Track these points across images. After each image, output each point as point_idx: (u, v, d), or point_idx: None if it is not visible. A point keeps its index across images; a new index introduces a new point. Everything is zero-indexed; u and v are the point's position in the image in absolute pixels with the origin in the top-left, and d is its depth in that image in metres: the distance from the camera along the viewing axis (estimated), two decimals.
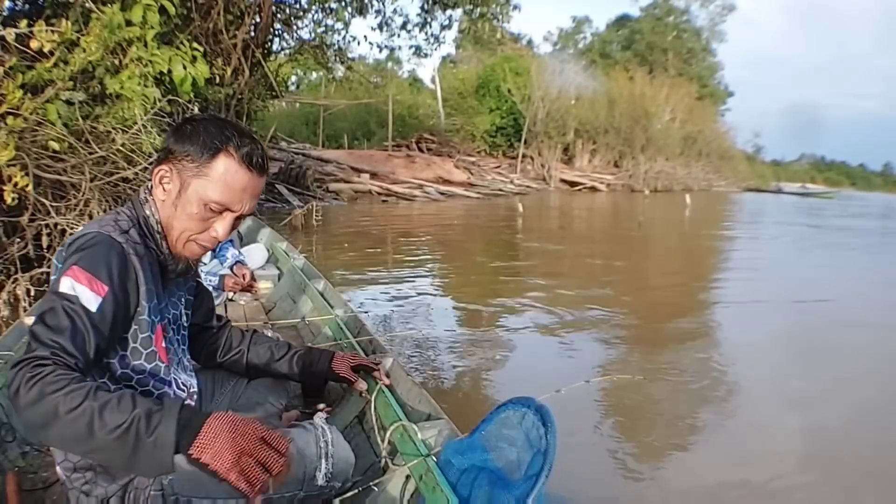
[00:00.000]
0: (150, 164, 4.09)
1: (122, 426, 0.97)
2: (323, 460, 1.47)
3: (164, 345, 1.36)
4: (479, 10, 15.20)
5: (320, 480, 1.47)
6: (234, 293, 3.68)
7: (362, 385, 1.88)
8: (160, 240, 1.33)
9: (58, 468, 1.34)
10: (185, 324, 1.58)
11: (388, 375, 1.96)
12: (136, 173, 4.14)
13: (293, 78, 21.74)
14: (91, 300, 1.14)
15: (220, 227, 1.31)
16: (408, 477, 1.64)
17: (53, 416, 0.98)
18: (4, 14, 4.14)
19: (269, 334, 2.01)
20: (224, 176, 1.26)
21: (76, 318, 1.12)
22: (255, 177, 1.30)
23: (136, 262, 1.24)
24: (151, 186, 1.34)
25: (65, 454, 1.32)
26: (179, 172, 1.28)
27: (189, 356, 1.59)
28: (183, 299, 1.54)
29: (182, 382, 1.46)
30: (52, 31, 3.42)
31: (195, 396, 1.51)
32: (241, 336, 1.82)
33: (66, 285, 1.14)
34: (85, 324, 1.12)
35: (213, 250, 3.74)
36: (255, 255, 4.26)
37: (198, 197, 1.27)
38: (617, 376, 3.26)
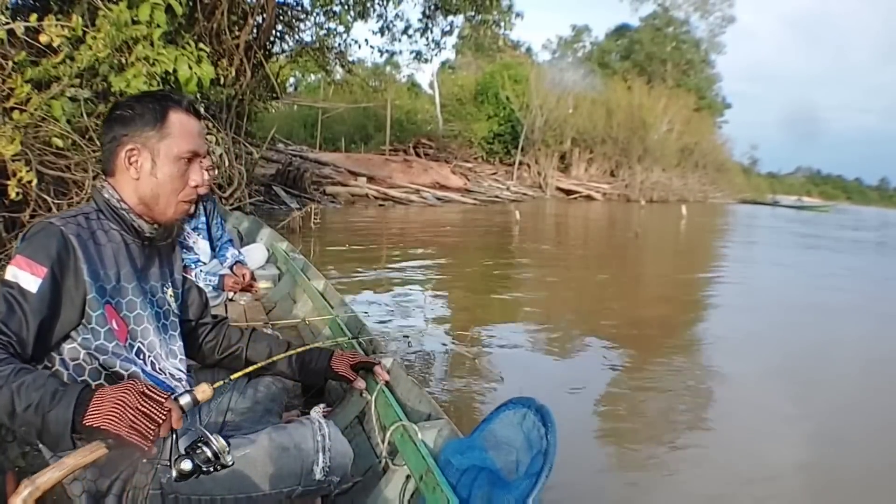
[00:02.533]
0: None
1: (33, 405, 1.08)
2: (320, 454, 1.48)
3: (116, 325, 1.37)
4: (480, 16, 15.25)
5: (318, 474, 1.47)
6: (234, 293, 3.69)
7: (361, 384, 1.88)
8: (128, 215, 1.41)
9: None
10: (175, 310, 1.59)
11: (388, 373, 1.97)
12: None
13: (291, 80, 21.74)
14: (30, 282, 1.24)
15: (195, 174, 1.44)
16: (408, 477, 1.66)
17: None
18: (9, 8, 4.14)
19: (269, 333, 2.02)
20: (181, 127, 1.40)
21: (13, 301, 1.22)
22: (199, 121, 1.46)
23: (75, 243, 1.30)
24: (109, 172, 1.42)
25: (64, 452, 1.33)
26: (145, 145, 1.38)
27: (182, 346, 1.59)
28: (163, 283, 1.56)
29: (161, 367, 1.47)
30: (62, 26, 3.43)
31: (182, 383, 1.51)
32: (239, 334, 1.82)
33: (10, 273, 1.25)
34: (23, 306, 1.22)
35: (213, 249, 3.75)
36: (255, 255, 4.27)
37: (172, 155, 1.39)
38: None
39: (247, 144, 10.41)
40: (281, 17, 11.68)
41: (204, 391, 1.21)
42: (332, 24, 13.23)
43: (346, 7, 12.91)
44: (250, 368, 1.48)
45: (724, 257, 13.24)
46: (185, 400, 1.18)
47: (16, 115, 3.44)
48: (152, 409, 1.09)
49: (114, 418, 1.06)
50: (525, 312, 6.01)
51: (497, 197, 23.39)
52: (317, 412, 1.73)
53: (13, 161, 3.37)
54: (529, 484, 1.25)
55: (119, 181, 1.41)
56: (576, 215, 21.32)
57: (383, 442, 1.75)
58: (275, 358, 1.68)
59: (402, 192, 19.12)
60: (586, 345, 5.06)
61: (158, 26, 4.20)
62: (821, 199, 64.19)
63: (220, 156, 8.25)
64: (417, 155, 25.17)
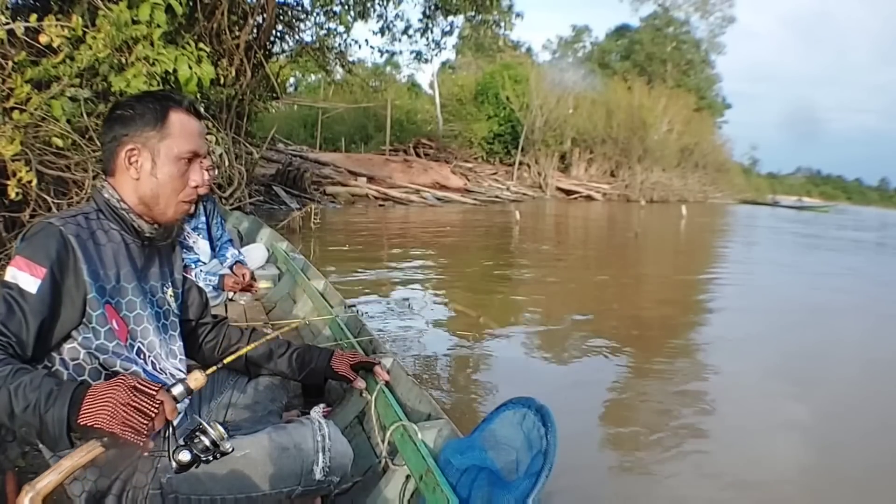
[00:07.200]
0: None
1: (30, 406, 1.08)
2: (320, 454, 1.47)
3: (116, 325, 1.37)
4: (481, 16, 15.26)
5: (318, 474, 1.47)
6: (234, 293, 3.69)
7: (361, 384, 1.88)
8: (128, 215, 1.41)
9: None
10: (176, 311, 1.59)
11: (388, 373, 1.97)
12: None
13: (291, 80, 21.76)
14: (30, 283, 1.24)
15: (196, 175, 1.44)
16: (408, 477, 1.65)
17: None
18: (9, 8, 4.14)
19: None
20: (182, 128, 1.40)
21: (12, 302, 1.22)
22: (199, 122, 1.46)
23: (74, 243, 1.30)
24: (109, 172, 1.42)
25: (63, 452, 1.33)
26: (145, 145, 1.38)
27: (182, 346, 1.59)
28: (163, 283, 1.56)
29: (161, 367, 1.47)
30: (62, 27, 3.43)
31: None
32: (239, 333, 1.82)
33: (9, 274, 1.25)
34: (22, 307, 1.22)
35: (213, 249, 3.75)
36: (255, 255, 4.27)
37: (172, 156, 1.39)
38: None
39: (247, 144, 10.41)
40: (281, 17, 11.69)
41: (197, 378, 1.20)
42: (332, 25, 13.24)
43: (346, 7, 12.93)
44: (242, 351, 1.47)
45: (724, 257, 13.23)
46: (177, 390, 1.16)
47: (16, 114, 3.44)
48: (144, 404, 1.08)
49: (106, 416, 1.06)
50: (525, 312, 6.01)
51: (497, 197, 23.39)
52: (317, 412, 1.73)
53: (13, 161, 3.37)
54: (529, 484, 1.25)
55: (119, 181, 1.41)
56: (576, 215, 21.31)
57: (383, 442, 1.75)
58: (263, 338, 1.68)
59: (402, 193, 19.12)
60: (586, 345, 5.06)
61: (158, 26, 4.20)
62: (821, 199, 64.14)
63: (220, 156, 8.25)
64: (417, 155, 25.17)
